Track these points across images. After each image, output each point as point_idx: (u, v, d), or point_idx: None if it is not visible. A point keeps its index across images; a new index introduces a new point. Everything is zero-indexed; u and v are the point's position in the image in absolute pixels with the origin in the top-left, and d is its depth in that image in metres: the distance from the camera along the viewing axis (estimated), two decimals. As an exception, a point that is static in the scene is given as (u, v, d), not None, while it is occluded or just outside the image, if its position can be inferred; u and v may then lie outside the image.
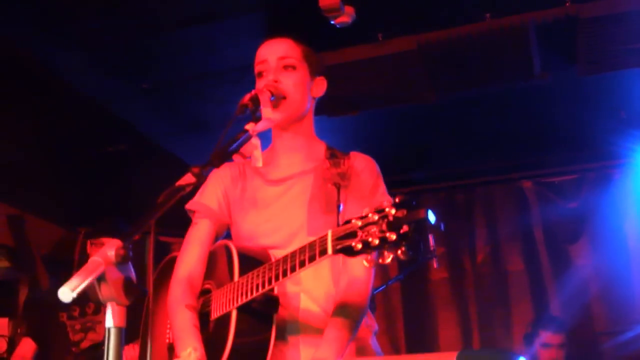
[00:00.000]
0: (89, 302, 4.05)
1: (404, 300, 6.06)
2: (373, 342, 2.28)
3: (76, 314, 4.14)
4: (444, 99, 4.45)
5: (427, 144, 5.52)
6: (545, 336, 5.00)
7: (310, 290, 2.20)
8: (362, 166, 2.31)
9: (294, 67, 2.26)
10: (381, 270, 6.02)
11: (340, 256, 2.18)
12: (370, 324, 2.30)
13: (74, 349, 4.07)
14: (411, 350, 5.90)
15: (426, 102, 4.41)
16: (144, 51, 4.17)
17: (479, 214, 6.04)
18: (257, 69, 2.30)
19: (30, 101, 4.37)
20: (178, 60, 4.26)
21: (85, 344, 4.06)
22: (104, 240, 4.12)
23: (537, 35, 3.80)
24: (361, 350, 2.21)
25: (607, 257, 5.44)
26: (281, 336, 2.10)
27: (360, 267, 2.17)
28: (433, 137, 5.43)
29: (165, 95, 4.66)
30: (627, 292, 5.35)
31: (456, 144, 5.53)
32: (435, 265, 5.12)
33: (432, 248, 4.95)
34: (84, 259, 4.22)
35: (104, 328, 4.26)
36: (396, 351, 5.89)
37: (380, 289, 5.49)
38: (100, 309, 4.13)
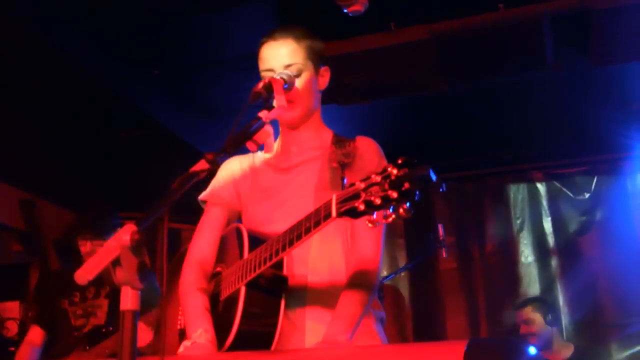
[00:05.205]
0: (89, 286, 4.06)
1: (412, 290, 6.08)
2: (378, 329, 2.28)
3: (77, 299, 4.15)
4: (456, 89, 4.45)
5: (438, 134, 5.51)
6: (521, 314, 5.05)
7: (318, 271, 2.21)
8: (365, 147, 2.32)
9: (299, 73, 2.26)
10: (390, 259, 6.04)
11: (350, 233, 2.22)
12: (375, 310, 2.30)
13: (76, 334, 4.08)
14: (419, 339, 5.91)
15: (438, 91, 4.40)
16: (156, 38, 4.18)
17: (489, 205, 6.04)
18: (263, 75, 2.28)
19: (43, 87, 4.39)
20: (190, 47, 4.27)
21: (87, 329, 4.08)
22: (93, 242, 4.11)
23: (551, 26, 3.79)
24: (365, 335, 2.21)
25: (616, 250, 5.44)
26: (286, 317, 2.10)
27: (369, 243, 2.19)
28: (444, 128, 5.42)
29: (177, 81, 4.67)
30: (637, 285, 5.33)
31: (467, 134, 5.52)
32: (444, 254, 5.14)
33: (441, 238, 4.97)
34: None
35: (105, 312, 4.26)
36: (404, 340, 5.91)
37: (389, 277, 5.52)
38: (100, 292, 4.15)
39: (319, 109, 2.40)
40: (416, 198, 1.57)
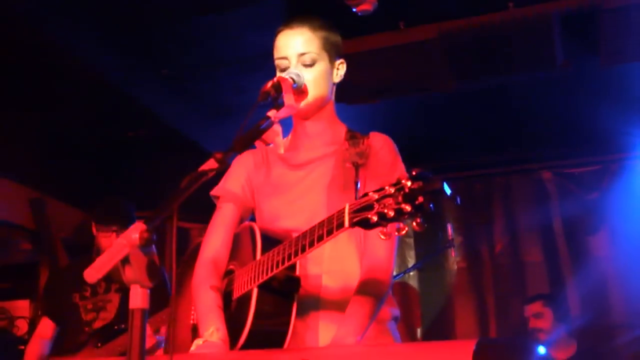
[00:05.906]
0: (100, 281, 4.04)
1: (421, 289, 6.08)
2: (391, 327, 2.28)
3: (87, 294, 4.15)
4: (464, 88, 4.44)
5: (447, 133, 5.50)
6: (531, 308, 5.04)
7: (333, 272, 2.21)
8: (380, 145, 2.31)
9: (314, 62, 2.25)
10: (399, 259, 6.04)
11: (363, 237, 2.21)
12: (390, 308, 2.30)
13: (86, 329, 4.07)
14: (428, 338, 5.91)
15: (447, 91, 4.39)
16: (165, 37, 4.19)
17: (498, 204, 6.03)
18: (277, 63, 2.28)
19: (52, 86, 4.41)
20: (199, 46, 4.27)
21: (97, 324, 4.07)
22: (114, 228, 4.07)
23: (560, 25, 3.78)
24: (378, 334, 2.21)
25: (626, 249, 5.41)
26: (300, 317, 2.11)
27: (381, 248, 2.18)
28: (453, 127, 5.42)
29: (186, 81, 4.68)
30: (646, 285, 5.32)
31: (476, 133, 5.51)
32: (453, 254, 5.14)
33: (450, 237, 4.97)
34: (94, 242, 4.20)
35: (115, 307, 4.24)
36: (413, 339, 5.91)
37: (398, 277, 5.52)
38: (110, 287, 4.14)
39: (333, 102, 2.37)
40: (430, 211, 1.56)
